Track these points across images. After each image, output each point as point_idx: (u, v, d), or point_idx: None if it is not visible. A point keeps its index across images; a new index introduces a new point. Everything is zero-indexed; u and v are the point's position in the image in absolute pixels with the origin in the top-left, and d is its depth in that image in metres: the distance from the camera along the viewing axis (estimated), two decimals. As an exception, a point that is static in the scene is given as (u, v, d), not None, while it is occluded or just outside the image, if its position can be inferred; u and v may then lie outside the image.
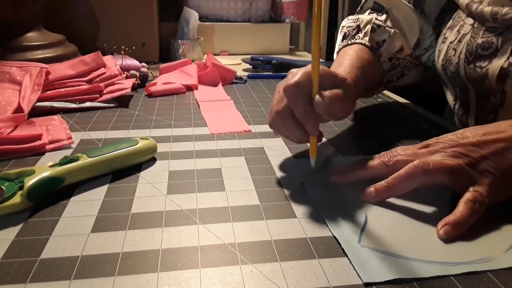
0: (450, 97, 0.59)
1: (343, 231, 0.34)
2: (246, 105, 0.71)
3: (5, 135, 0.51)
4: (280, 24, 1.27)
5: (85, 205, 0.38)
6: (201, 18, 1.16)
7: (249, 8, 1.24)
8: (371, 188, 0.39)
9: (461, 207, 0.34)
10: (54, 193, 0.39)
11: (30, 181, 0.37)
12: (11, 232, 0.34)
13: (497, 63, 0.46)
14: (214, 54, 1.10)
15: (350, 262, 0.31)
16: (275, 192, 0.41)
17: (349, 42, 0.60)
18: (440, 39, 0.58)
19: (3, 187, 0.37)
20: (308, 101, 0.41)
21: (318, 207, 0.38)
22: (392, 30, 0.59)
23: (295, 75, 0.42)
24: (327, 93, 0.41)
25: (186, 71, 0.87)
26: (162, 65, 0.89)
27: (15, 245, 0.32)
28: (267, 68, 0.99)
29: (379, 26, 0.60)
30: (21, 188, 0.37)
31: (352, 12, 0.69)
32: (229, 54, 1.23)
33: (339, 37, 0.64)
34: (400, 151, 0.40)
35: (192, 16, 1.10)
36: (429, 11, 0.61)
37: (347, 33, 0.62)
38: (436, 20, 0.62)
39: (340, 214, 0.37)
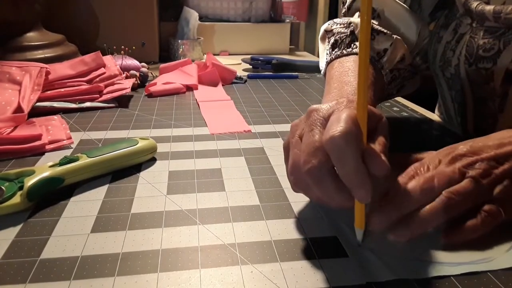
0: (445, 100, 0.58)
1: (344, 231, 0.34)
2: (246, 105, 0.71)
3: (5, 135, 0.51)
4: (280, 24, 1.27)
5: (85, 205, 0.38)
6: (201, 18, 1.16)
7: (249, 8, 1.24)
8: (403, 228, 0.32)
9: (476, 220, 0.32)
10: (54, 193, 0.39)
11: (30, 181, 0.37)
12: (11, 232, 0.34)
13: (502, 65, 0.45)
14: (214, 54, 1.10)
15: (351, 262, 0.31)
16: (275, 192, 0.41)
17: (344, 52, 0.50)
18: (434, 39, 0.55)
19: (3, 187, 0.37)
20: (361, 158, 0.30)
21: (318, 207, 0.38)
22: (394, 37, 0.51)
23: (338, 122, 0.30)
24: (377, 146, 0.31)
25: (186, 71, 0.87)
26: (162, 65, 0.90)
27: (15, 245, 0.32)
28: (267, 68, 0.99)
29: (378, 32, 0.51)
30: (21, 188, 0.37)
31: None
32: (229, 54, 1.23)
33: (325, 45, 0.55)
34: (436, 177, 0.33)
35: (192, 16, 1.10)
36: (426, 6, 0.56)
37: (339, 41, 0.52)
38: (430, 16, 0.57)
39: (340, 214, 0.36)
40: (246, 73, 0.94)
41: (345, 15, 0.58)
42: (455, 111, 0.56)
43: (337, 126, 0.29)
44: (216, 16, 1.24)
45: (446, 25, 0.54)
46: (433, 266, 0.30)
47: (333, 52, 0.52)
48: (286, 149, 0.36)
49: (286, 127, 0.60)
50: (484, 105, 0.50)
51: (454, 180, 0.33)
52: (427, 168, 0.35)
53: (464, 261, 0.31)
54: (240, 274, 0.29)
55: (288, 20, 1.30)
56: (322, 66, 0.55)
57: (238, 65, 1.06)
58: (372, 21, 0.52)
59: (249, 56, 1.03)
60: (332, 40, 0.53)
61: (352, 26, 0.52)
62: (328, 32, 0.55)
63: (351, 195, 0.30)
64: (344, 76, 0.45)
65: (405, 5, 0.54)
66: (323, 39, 0.56)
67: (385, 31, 0.51)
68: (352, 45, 0.50)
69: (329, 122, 0.31)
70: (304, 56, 1.28)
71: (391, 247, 0.32)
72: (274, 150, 0.51)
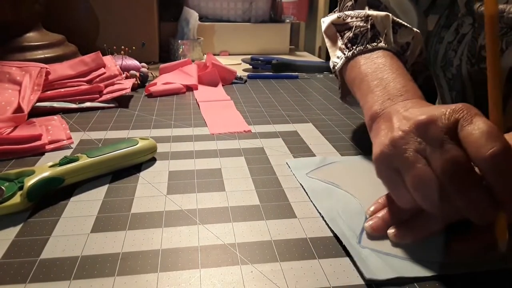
0: (445, 101, 0.57)
1: (344, 231, 0.34)
2: (246, 105, 0.71)
3: (5, 135, 0.51)
4: (280, 24, 1.27)
5: (85, 205, 0.38)
6: (201, 18, 1.16)
7: (249, 8, 1.24)
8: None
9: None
10: (54, 193, 0.39)
11: (30, 181, 0.37)
12: (11, 232, 0.34)
13: (506, 64, 0.44)
14: (214, 54, 1.10)
15: (351, 260, 0.31)
16: (275, 192, 0.41)
17: (369, 47, 0.48)
18: (435, 39, 0.55)
19: (3, 187, 0.37)
20: None
21: (318, 207, 0.38)
22: (415, 30, 0.50)
23: (490, 136, 0.28)
24: None
25: (186, 71, 0.87)
26: (162, 65, 0.90)
27: (15, 245, 0.32)
28: (267, 68, 0.99)
29: (400, 25, 0.49)
30: (21, 188, 0.37)
31: None
32: (229, 54, 1.23)
33: (339, 40, 0.52)
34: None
35: (192, 16, 1.10)
36: (422, 2, 0.55)
37: (360, 35, 0.49)
38: (425, 13, 0.56)
39: (340, 214, 0.36)
40: (246, 73, 0.94)
41: (353, 7, 0.55)
42: None
43: (492, 142, 0.28)
44: (216, 17, 1.24)
45: (447, 25, 0.53)
46: (433, 266, 0.30)
47: (355, 48, 0.49)
48: (385, 162, 0.34)
49: (286, 127, 0.60)
50: (485, 106, 0.50)
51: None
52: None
53: (464, 261, 0.31)
54: (240, 274, 0.29)
55: (288, 20, 1.30)
56: (335, 61, 0.52)
57: (238, 65, 1.06)
58: (388, 14, 0.50)
59: (249, 56, 1.03)
60: (349, 34, 0.50)
61: (371, 19, 0.49)
62: (340, 25, 0.53)
63: (495, 207, 0.29)
64: (380, 73, 0.43)
65: None
66: (331, 32, 0.53)
67: (406, 24, 0.50)
68: (376, 39, 0.48)
69: (474, 136, 0.29)
70: (304, 56, 1.28)
71: (391, 247, 0.32)
72: (274, 150, 0.51)
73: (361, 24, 0.50)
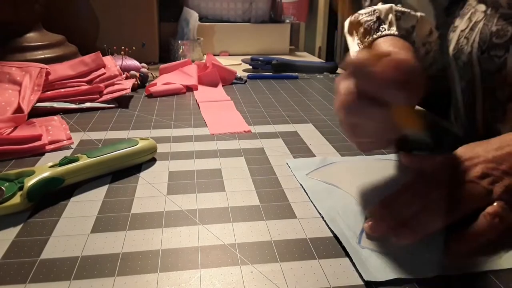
0: (455, 94, 0.58)
1: (344, 231, 0.34)
2: (246, 106, 0.71)
3: (5, 136, 0.51)
4: (280, 24, 1.27)
5: (85, 206, 0.38)
6: (201, 19, 1.16)
7: (249, 8, 1.24)
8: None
9: (479, 221, 0.32)
10: (54, 193, 0.39)
11: (30, 182, 0.37)
12: (11, 233, 0.34)
13: (511, 66, 0.45)
14: (214, 55, 1.10)
15: (351, 261, 0.31)
16: (275, 192, 0.41)
17: (374, 36, 0.52)
18: (450, 29, 0.56)
19: (3, 188, 0.37)
20: None
21: (318, 207, 0.38)
22: (419, 14, 0.54)
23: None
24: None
25: (186, 71, 0.87)
26: (162, 66, 0.90)
27: (15, 245, 0.32)
28: (267, 68, 0.99)
29: (403, 12, 0.54)
30: (21, 188, 0.37)
31: (353, 12, 0.64)
32: (229, 55, 1.23)
33: (354, 37, 0.57)
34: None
35: (192, 16, 1.10)
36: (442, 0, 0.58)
37: (368, 28, 0.54)
38: (445, 11, 0.58)
39: (340, 214, 0.37)
40: (246, 74, 0.94)
41: (366, 6, 0.59)
42: (464, 104, 0.57)
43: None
44: (216, 17, 1.24)
45: (462, 15, 0.55)
46: (433, 266, 0.30)
47: (365, 40, 0.53)
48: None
49: (286, 128, 0.60)
50: (493, 96, 0.50)
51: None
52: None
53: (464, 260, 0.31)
54: (240, 274, 0.29)
55: (288, 21, 1.30)
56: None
57: (238, 66, 1.06)
58: (398, 5, 0.54)
59: (249, 57, 1.03)
60: (361, 30, 0.54)
61: (377, 12, 0.54)
62: (355, 24, 0.56)
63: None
64: None
65: None
66: (350, 32, 0.58)
67: (409, 10, 0.53)
68: (380, 28, 0.52)
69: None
70: (304, 57, 1.28)
71: (391, 247, 0.32)
72: (274, 151, 0.51)
73: (369, 18, 0.54)
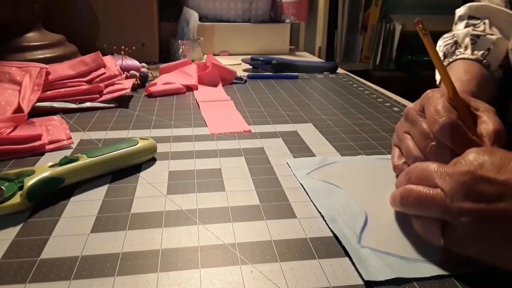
0: None
1: (344, 231, 0.34)
2: (246, 105, 0.71)
3: (5, 135, 0.51)
4: (280, 24, 1.27)
5: (85, 205, 0.38)
6: (201, 18, 1.16)
7: (249, 8, 1.24)
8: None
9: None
10: (54, 193, 0.39)
11: (30, 181, 0.37)
12: (11, 232, 0.34)
13: None
14: (214, 55, 1.10)
15: (351, 261, 0.31)
16: (275, 192, 0.41)
17: (450, 60, 0.57)
18: None
19: (3, 187, 0.37)
20: None
21: (318, 207, 0.38)
22: (495, 37, 0.57)
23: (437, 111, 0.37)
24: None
25: (186, 71, 0.87)
26: (162, 65, 0.90)
27: (15, 245, 0.32)
28: (267, 68, 0.99)
29: (478, 36, 0.57)
30: (21, 188, 0.37)
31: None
32: (229, 54, 1.23)
33: None
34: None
35: (192, 16, 1.10)
36: None
37: (446, 52, 0.59)
38: None
39: (340, 214, 0.37)
40: (246, 73, 0.95)
41: (453, 29, 0.65)
42: None
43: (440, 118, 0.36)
44: (216, 17, 1.24)
45: None
46: (433, 266, 0.30)
47: (444, 62, 0.59)
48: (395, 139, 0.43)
49: (286, 127, 0.60)
50: None
51: None
52: None
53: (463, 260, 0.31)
54: (240, 274, 0.29)
55: (288, 21, 1.30)
56: (437, 78, 0.63)
57: (238, 65, 1.06)
58: (476, 28, 0.59)
59: (249, 57, 1.03)
60: (441, 54, 0.61)
61: (455, 37, 0.60)
62: (442, 46, 0.63)
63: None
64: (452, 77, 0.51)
65: (509, 11, 0.59)
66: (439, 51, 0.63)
67: (485, 33, 0.58)
68: (456, 52, 0.58)
69: (429, 113, 0.38)
70: (304, 56, 1.28)
71: (391, 247, 0.32)
72: (274, 150, 0.51)
73: (448, 42, 0.61)
